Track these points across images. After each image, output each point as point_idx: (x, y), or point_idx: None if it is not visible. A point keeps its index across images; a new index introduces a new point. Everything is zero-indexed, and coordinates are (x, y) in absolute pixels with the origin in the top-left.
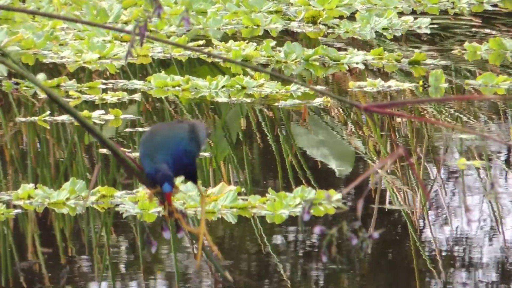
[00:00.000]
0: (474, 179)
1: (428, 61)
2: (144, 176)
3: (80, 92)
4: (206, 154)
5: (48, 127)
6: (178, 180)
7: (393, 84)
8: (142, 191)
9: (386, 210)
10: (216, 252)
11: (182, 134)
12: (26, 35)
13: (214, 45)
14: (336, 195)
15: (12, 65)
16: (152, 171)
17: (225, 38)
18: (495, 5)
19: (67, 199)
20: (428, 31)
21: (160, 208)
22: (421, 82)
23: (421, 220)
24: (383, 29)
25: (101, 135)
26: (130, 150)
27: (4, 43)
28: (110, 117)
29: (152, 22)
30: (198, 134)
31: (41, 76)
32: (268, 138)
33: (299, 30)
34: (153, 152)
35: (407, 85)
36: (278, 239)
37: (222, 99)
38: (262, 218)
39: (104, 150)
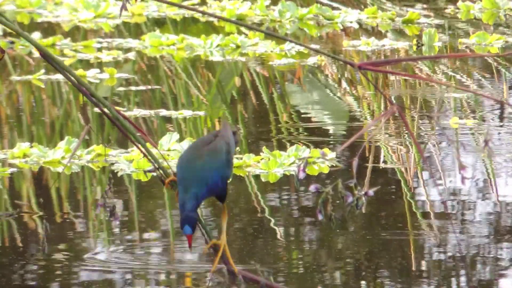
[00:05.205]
0: (467, 137)
1: (422, 19)
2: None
3: (75, 51)
4: (201, 113)
5: (43, 86)
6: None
7: (387, 43)
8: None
9: (381, 168)
10: (235, 269)
11: (220, 161)
12: None
13: (208, 4)
14: (331, 154)
15: (6, 22)
16: (180, 206)
17: None
18: None
19: (62, 157)
20: None
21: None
22: (414, 41)
23: (415, 178)
24: None
25: (95, 95)
26: (125, 109)
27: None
28: (105, 75)
29: None
30: (232, 151)
31: (36, 35)
32: (262, 97)
33: None
34: (189, 182)
35: (401, 44)
36: (272, 197)
37: (216, 58)
38: (257, 177)
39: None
